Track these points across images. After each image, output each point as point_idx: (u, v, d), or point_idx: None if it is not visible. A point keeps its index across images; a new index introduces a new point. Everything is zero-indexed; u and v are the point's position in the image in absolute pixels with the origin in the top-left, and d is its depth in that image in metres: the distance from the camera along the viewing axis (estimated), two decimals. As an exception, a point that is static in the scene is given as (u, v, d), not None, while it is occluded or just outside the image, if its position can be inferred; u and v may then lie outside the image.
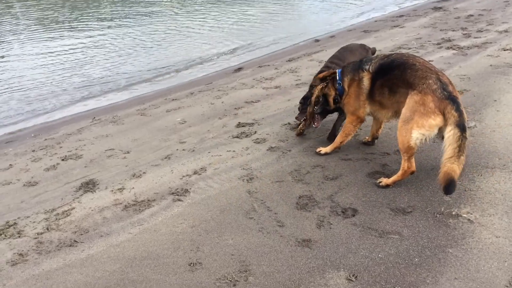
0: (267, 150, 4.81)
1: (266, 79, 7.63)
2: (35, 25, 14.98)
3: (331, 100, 4.50)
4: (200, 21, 14.20)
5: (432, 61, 7.20)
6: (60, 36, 13.16)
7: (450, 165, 3.34)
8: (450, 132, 3.42)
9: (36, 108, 8.00)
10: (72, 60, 10.72)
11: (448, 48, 7.83)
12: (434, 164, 4.09)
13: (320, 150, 4.59)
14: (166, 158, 4.92)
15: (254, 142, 5.04)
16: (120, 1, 18.61)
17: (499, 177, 3.80)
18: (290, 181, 4.13)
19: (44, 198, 4.37)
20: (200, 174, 4.43)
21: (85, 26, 14.31)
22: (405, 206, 3.55)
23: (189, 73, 9.41)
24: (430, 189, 3.73)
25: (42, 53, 11.41)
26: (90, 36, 12.85)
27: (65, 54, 11.31)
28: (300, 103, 5.01)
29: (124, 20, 14.94)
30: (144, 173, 4.61)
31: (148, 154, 5.11)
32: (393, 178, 3.86)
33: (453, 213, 3.39)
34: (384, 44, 8.87)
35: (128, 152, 5.21)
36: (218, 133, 5.47)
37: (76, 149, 5.53)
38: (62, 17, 15.78)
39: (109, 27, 13.94)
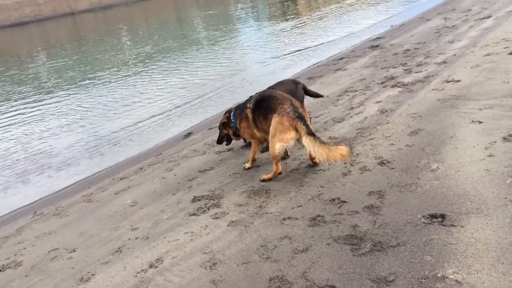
0: (228, 225, 4.41)
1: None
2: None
3: (232, 136, 6.01)
4: (137, 84, 13.91)
5: (380, 101, 7.18)
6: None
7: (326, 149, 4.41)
8: (306, 140, 4.55)
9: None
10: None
11: (393, 86, 7.87)
12: (408, 218, 3.83)
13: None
14: (117, 251, 4.40)
15: (213, 218, 4.63)
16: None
17: (476, 223, 3.57)
18: (257, 261, 3.73)
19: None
20: (156, 267, 3.95)
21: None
22: (386, 274, 3.22)
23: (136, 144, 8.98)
24: (408, 250, 3.44)
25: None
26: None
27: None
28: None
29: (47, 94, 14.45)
30: (93, 275, 4.07)
31: (97, 249, 4.58)
32: (268, 176, 5.13)
33: (439, 275, 3.09)
34: (331, 89, 8.86)
35: (74, 250, 4.65)
36: (173, 211, 5.03)
37: (15, 254, 4.90)
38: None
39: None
